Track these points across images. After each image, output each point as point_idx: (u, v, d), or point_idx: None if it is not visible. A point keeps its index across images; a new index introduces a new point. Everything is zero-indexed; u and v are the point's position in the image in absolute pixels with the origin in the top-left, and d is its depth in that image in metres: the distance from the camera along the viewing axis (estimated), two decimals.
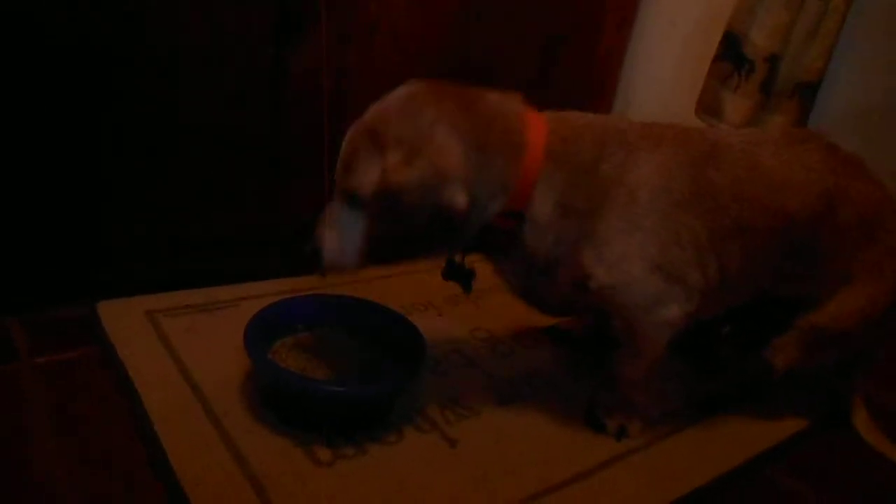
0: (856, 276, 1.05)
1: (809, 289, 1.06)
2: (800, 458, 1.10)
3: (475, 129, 0.88)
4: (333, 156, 0.92)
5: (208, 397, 0.98)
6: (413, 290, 1.36)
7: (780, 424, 1.15)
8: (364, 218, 0.89)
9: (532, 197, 0.91)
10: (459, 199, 0.85)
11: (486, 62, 1.47)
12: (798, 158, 1.02)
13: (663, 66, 1.69)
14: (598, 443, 1.04)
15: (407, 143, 0.85)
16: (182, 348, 1.08)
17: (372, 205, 0.88)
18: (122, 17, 1.04)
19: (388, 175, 0.84)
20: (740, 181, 0.97)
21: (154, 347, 1.07)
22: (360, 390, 0.95)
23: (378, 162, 0.86)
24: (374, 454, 0.93)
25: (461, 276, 1.03)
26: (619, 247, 0.92)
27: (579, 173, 0.92)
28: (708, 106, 1.48)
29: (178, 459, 0.86)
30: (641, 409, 1.06)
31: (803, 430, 1.15)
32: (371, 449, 0.94)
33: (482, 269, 1.05)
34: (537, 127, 0.92)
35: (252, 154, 1.24)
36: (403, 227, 0.87)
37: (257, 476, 0.86)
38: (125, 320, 1.12)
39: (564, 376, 1.20)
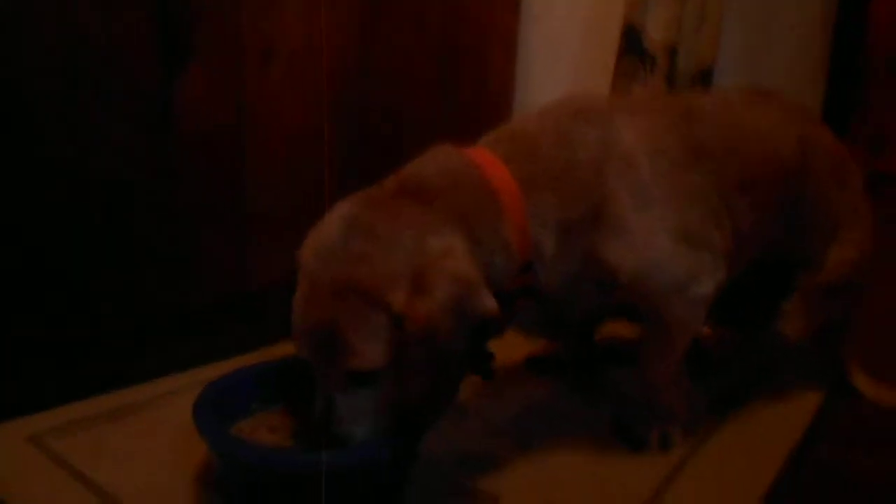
0: (841, 225, 1.02)
1: (804, 246, 1.01)
2: (833, 428, 1.01)
3: (450, 213, 0.72)
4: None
5: None
6: None
7: (803, 401, 1.06)
8: (380, 389, 0.70)
9: (532, 239, 0.78)
10: (489, 301, 0.69)
11: (387, 91, 1.34)
12: (766, 111, 0.99)
13: (554, 84, 1.66)
14: (643, 461, 0.88)
15: (404, 273, 0.67)
16: (97, 474, 0.78)
17: (390, 370, 0.69)
18: None
19: (413, 318, 0.65)
20: (729, 136, 0.91)
21: (56, 481, 0.77)
22: (376, 452, 0.71)
23: (378, 319, 0.67)
24: None
25: (483, 363, 0.84)
26: (638, 227, 0.80)
27: (560, 182, 0.79)
28: None
29: None
30: (677, 412, 0.92)
31: (824, 402, 1.07)
32: None
33: None
34: (493, 166, 0.78)
35: (146, 213, 1.00)
36: (443, 363, 0.69)
37: None
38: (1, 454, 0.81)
39: (568, 403, 1.04)
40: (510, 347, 1.13)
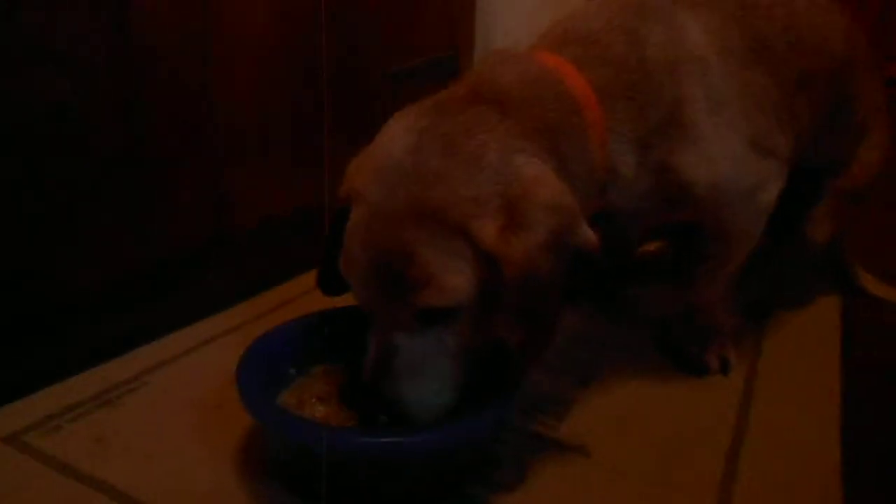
0: (869, 126, 0.99)
1: (838, 148, 0.97)
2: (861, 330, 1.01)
3: (534, 128, 0.62)
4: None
5: None
6: None
7: (826, 305, 1.06)
8: (456, 331, 0.61)
9: (611, 158, 0.68)
10: (589, 234, 0.60)
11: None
12: (814, 1, 0.91)
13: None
14: (709, 385, 0.83)
15: (492, 198, 0.57)
16: (108, 473, 0.63)
17: (470, 311, 0.60)
18: None
19: (509, 258, 0.56)
20: (788, 27, 0.83)
21: (58, 487, 0.61)
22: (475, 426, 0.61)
23: (463, 249, 0.57)
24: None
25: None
26: (712, 134, 0.72)
27: (636, 90, 0.69)
28: None
29: None
30: (727, 331, 0.88)
31: (843, 305, 1.07)
32: (496, 501, 0.62)
33: None
34: (571, 76, 0.67)
35: (103, 156, 0.80)
36: (539, 306, 0.58)
37: None
38: None
39: (599, 328, 0.97)
40: None
